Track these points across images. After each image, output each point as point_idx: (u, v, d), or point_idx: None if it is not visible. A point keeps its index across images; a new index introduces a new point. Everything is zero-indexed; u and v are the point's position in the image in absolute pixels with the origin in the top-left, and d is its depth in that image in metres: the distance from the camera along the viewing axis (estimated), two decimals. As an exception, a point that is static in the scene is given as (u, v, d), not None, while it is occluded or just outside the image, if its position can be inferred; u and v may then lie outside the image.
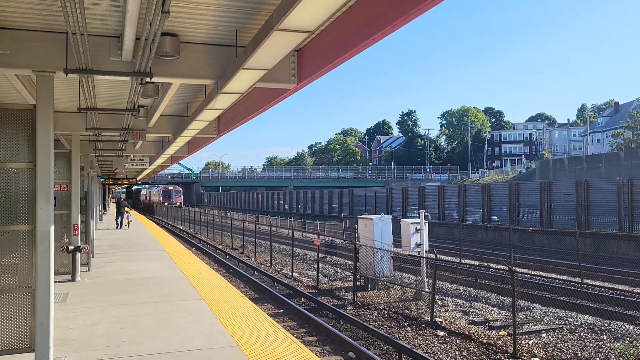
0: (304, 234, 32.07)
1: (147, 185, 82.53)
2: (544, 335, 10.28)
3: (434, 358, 9.10)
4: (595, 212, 25.84)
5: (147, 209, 73.88)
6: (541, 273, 17.31)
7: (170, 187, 74.95)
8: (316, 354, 7.54)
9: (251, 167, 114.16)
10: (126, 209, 32.88)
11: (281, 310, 12.85)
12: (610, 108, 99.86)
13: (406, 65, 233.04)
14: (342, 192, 52.49)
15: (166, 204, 67.26)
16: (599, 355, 9.09)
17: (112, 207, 52.52)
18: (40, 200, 6.05)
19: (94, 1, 5.74)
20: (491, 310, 12.36)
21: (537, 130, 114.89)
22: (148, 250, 18.62)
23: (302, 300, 14.06)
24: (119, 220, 29.89)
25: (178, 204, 68.75)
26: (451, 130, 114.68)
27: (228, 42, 7.33)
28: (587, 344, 9.67)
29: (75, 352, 6.86)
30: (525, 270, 16.12)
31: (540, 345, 9.61)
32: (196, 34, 7.10)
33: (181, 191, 74.73)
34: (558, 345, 9.59)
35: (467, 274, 17.09)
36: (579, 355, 9.15)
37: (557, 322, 11.15)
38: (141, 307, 9.47)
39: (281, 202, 67.77)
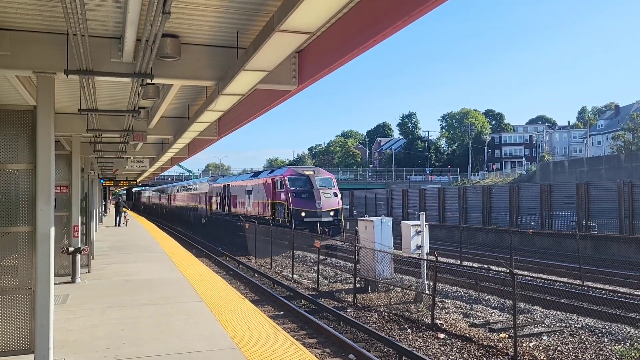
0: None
1: (146, 188, 77.26)
2: (544, 337, 10.26)
3: (434, 360, 9.09)
4: (596, 215, 25.83)
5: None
6: (542, 275, 17.29)
7: (308, 172, 29.02)
8: (317, 356, 7.52)
9: (252, 169, 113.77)
10: (124, 209, 36.28)
11: (281, 312, 12.84)
12: (611, 110, 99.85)
13: (406, 67, 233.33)
14: (343, 194, 52.42)
15: (302, 215, 26.46)
16: (600, 358, 9.08)
17: (111, 209, 52.53)
18: (40, 202, 6.03)
19: (94, 2, 5.74)
20: (492, 313, 12.34)
21: (538, 132, 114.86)
22: (148, 252, 18.59)
23: (303, 302, 14.05)
24: (118, 219, 33.27)
25: (332, 213, 27.29)
26: (451, 132, 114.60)
27: (229, 44, 7.33)
28: (588, 346, 9.66)
29: (76, 354, 6.84)
30: (525, 273, 16.13)
31: (541, 348, 9.59)
32: (197, 35, 7.10)
33: (334, 180, 29.58)
34: (559, 348, 9.57)
35: (468, 276, 17.07)
36: (580, 357, 9.13)
37: (558, 325, 11.13)
38: (141, 309, 9.45)
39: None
